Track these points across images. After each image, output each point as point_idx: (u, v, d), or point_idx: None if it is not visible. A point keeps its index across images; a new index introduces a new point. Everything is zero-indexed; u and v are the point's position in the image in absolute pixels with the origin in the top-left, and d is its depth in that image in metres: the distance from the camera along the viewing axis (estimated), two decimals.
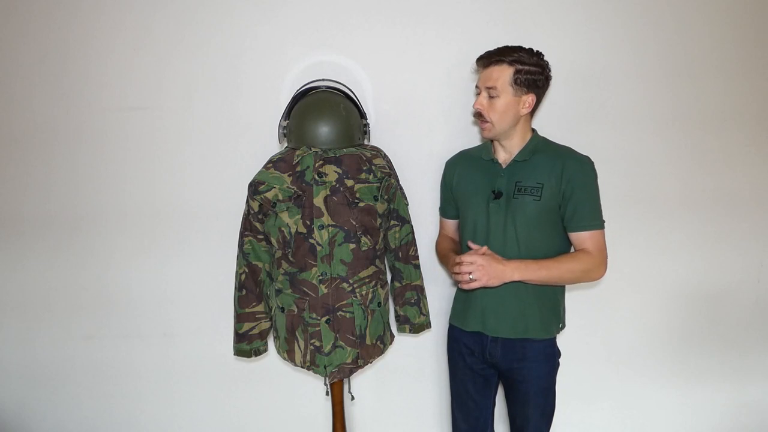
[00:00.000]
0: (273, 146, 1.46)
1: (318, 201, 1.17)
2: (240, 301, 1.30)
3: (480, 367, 1.32)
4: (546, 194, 1.16)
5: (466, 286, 1.15)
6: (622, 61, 1.48)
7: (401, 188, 1.33)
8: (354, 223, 1.19)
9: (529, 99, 1.16)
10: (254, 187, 1.21)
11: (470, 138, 1.48)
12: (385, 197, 1.25)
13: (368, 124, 1.32)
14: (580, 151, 1.21)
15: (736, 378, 1.74)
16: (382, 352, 1.32)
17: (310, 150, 1.19)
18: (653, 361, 1.70)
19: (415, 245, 1.39)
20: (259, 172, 1.23)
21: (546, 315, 1.24)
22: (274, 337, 1.34)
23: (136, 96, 1.47)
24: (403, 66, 1.46)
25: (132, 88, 1.46)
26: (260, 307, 1.31)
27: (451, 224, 1.41)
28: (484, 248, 1.17)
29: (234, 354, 1.32)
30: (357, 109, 1.29)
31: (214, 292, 1.56)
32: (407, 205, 1.35)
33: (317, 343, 1.22)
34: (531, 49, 1.15)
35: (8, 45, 1.43)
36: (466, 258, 1.14)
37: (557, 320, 1.28)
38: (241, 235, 1.29)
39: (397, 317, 1.42)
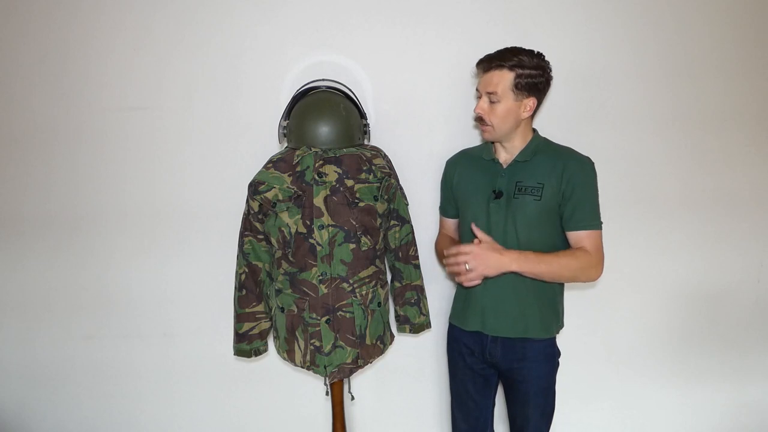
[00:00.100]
0: (273, 146, 1.46)
1: (318, 201, 1.17)
2: (240, 301, 1.30)
3: (480, 367, 1.32)
4: (546, 194, 1.16)
5: (463, 279, 1.13)
6: (622, 61, 1.48)
7: (401, 188, 1.33)
8: (354, 223, 1.19)
9: (530, 102, 1.16)
10: (254, 187, 1.21)
11: (470, 138, 1.48)
12: (385, 197, 1.25)
13: (368, 124, 1.32)
14: (580, 152, 1.21)
15: (736, 378, 1.74)
16: (382, 352, 1.32)
17: (310, 150, 1.19)
18: (653, 361, 1.70)
19: (415, 245, 1.39)
20: (259, 172, 1.23)
21: (546, 314, 1.24)
22: (274, 337, 1.34)
23: (136, 96, 1.47)
24: (403, 66, 1.46)
25: (132, 88, 1.46)
26: (260, 307, 1.31)
27: (451, 223, 1.41)
28: (482, 235, 1.15)
29: (234, 354, 1.32)
30: (357, 109, 1.29)
31: (214, 292, 1.56)
32: (407, 205, 1.35)
33: (317, 343, 1.22)
34: (532, 51, 1.14)
35: (8, 45, 1.43)
36: (465, 248, 1.12)
37: (557, 320, 1.28)
38: (241, 235, 1.29)
39: (397, 317, 1.42)
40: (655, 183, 1.56)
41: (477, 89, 1.20)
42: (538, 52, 1.14)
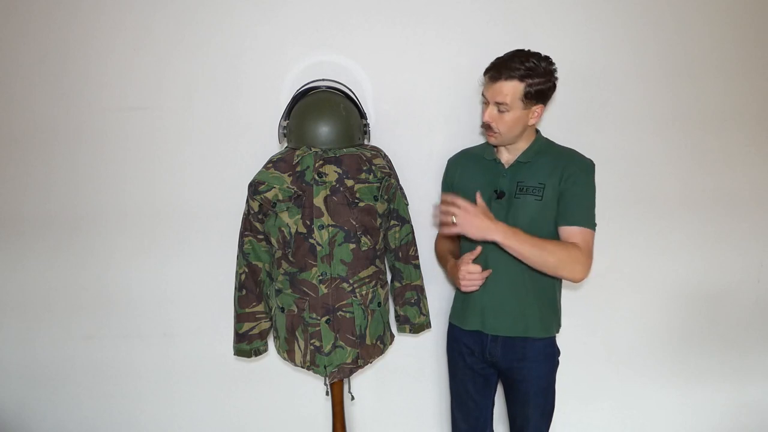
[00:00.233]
0: (273, 146, 1.46)
1: (318, 201, 1.17)
2: (240, 301, 1.30)
3: (480, 367, 1.32)
4: (547, 194, 1.16)
5: (444, 229, 1.11)
6: (622, 61, 1.48)
7: (401, 188, 1.33)
8: (354, 223, 1.19)
9: (538, 109, 1.15)
10: (254, 187, 1.21)
11: (470, 138, 1.48)
12: (385, 197, 1.25)
13: (368, 124, 1.32)
14: (581, 152, 1.21)
15: (736, 378, 1.74)
16: (382, 352, 1.32)
17: (310, 150, 1.19)
18: (653, 361, 1.70)
19: (415, 245, 1.39)
20: (259, 172, 1.23)
21: (546, 314, 1.24)
22: (274, 337, 1.34)
23: (136, 96, 1.47)
24: (403, 66, 1.46)
25: (132, 88, 1.46)
26: (260, 307, 1.31)
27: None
28: (480, 201, 1.13)
29: (234, 354, 1.32)
30: (357, 109, 1.29)
31: (214, 292, 1.56)
32: (407, 205, 1.35)
33: (317, 343, 1.22)
34: (539, 55, 1.11)
35: (8, 45, 1.43)
36: (460, 201, 1.10)
37: (557, 319, 1.28)
38: (241, 235, 1.29)
39: (397, 317, 1.42)
40: (655, 183, 1.56)
41: (483, 95, 1.17)
42: (545, 56, 1.12)
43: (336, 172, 1.18)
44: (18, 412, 1.70)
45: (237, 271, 1.31)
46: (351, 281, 1.21)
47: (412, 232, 1.38)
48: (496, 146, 1.25)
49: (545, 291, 1.24)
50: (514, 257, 1.15)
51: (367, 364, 1.30)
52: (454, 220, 1.10)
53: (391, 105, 1.48)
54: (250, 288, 1.29)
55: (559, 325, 1.29)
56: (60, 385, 1.67)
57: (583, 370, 1.68)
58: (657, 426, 1.77)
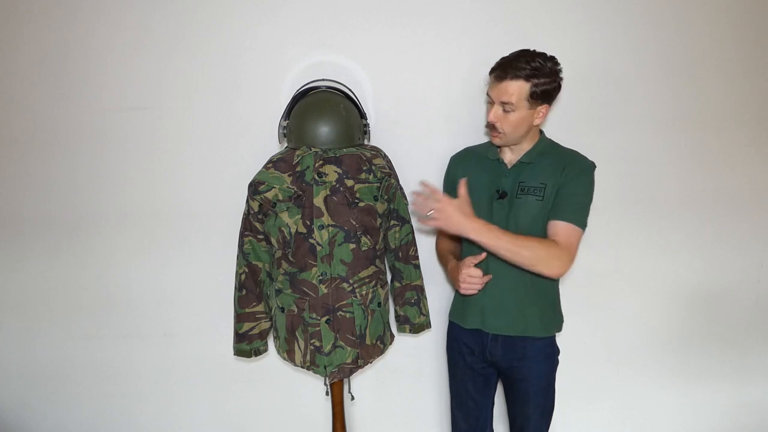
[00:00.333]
0: (273, 146, 1.46)
1: (318, 201, 1.17)
2: (240, 301, 1.30)
3: (480, 367, 1.32)
4: (548, 194, 1.16)
5: (421, 221, 1.11)
6: (622, 61, 1.48)
7: (401, 188, 1.33)
8: (354, 223, 1.19)
9: (543, 109, 1.15)
10: (254, 187, 1.21)
11: (471, 137, 1.48)
12: (385, 197, 1.25)
13: (368, 124, 1.32)
14: (582, 153, 1.21)
15: (736, 378, 1.74)
16: (382, 352, 1.32)
17: (310, 150, 1.19)
18: (653, 361, 1.70)
19: (415, 245, 1.39)
20: (259, 172, 1.23)
21: (546, 314, 1.25)
22: (274, 337, 1.34)
23: (136, 96, 1.47)
24: (403, 66, 1.46)
25: (132, 88, 1.46)
26: (260, 307, 1.31)
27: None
28: (463, 192, 1.12)
29: (234, 354, 1.32)
30: (357, 109, 1.29)
31: (214, 292, 1.56)
32: (407, 205, 1.35)
33: (317, 343, 1.22)
34: (544, 55, 1.11)
35: (8, 45, 1.43)
36: (438, 194, 1.10)
37: (557, 320, 1.28)
38: (241, 235, 1.29)
39: (397, 317, 1.42)
40: (655, 183, 1.56)
41: (488, 95, 1.17)
42: (551, 56, 1.12)
43: (336, 172, 1.18)
44: (18, 412, 1.70)
45: (237, 271, 1.31)
46: (351, 281, 1.21)
47: (412, 232, 1.38)
48: (499, 146, 1.25)
49: (546, 291, 1.24)
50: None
51: (367, 364, 1.30)
52: (430, 215, 1.10)
53: (391, 105, 1.48)
54: (250, 288, 1.29)
55: (560, 326, 1.29)
56: (60, 385, 1.67)
57: (583, 370, 1.68)
58: (657, 426, 1.76)
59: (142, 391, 1.67)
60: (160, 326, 1.62)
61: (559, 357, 1.29)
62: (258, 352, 1.33)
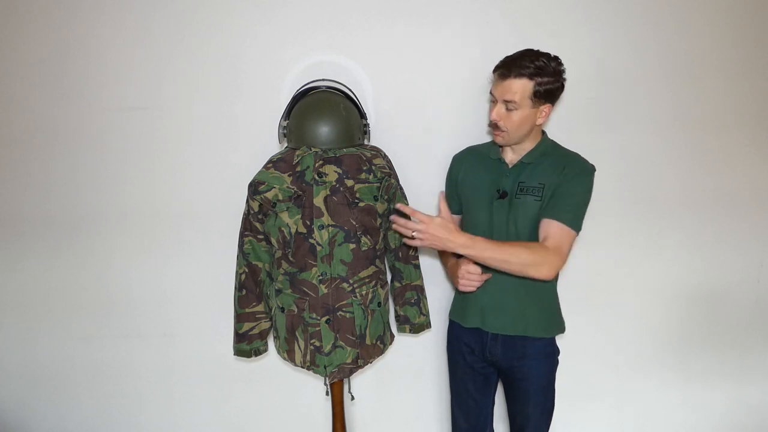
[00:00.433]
0: (273, 146, 1.46)
1: (318, 201, 1.17)
2: (240, 301, 1.30)
3: (480, 366, 1.32)
4: (546, 195, 1.16)
5: (407, 242, 1.09)
6: (622, 61, 1.48)
7: (401, 188, 1.33)
8: (354, 223, 1.19)
9: (546, 109, 1.15)
10: (254, 187, 1.21)
11: (471, 137, 1.48)
12: (385, 197, 1.25)
13: (368, 124, 1.32)
14: (582, 154, 1.21)
15: (736, 378, 1.74)
16: (382, 352, 1.32)
17: (310, 150, 1.19)
18: (653, 361, 1.70)
19: None
20: (259, 172, 1.23)
21: (546, 315, 1.25)
22: (274, 337, 1.34)
23: (136, 96, 1.47)
24: (403, 66, 1.46)
25: (132, 88, 1.46)
26: (260, 307, 1.31)
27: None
28: (444, 210, 1.10)
29: (234, 354, 1.32)
30: (357, 109, 1.29)
31: (214, 292, 1.56)
32: (407, 205, 1.35)
33: (317, 343, 1.22)
34: (549, 55, 1.11)
35: (8, 45, 1.43)
36: (420, 216, 1.06)
37: (558, 321, 1.28)
38: (241, 235, 1.29)
39: (397, 317, 1.42)
40: (655, 183, 1.56)
41: (492, 93, 1.17)
42: (554, 56, 1.12)
43: (336, 172, 1.18)
44: (18, 412, 1.70)
45: (237, 271, 1.31)
46: (351, 281, 1.21)
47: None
48: (501, 146, 1.25)
49: (546, 293, 1.23)
50: None
51: (367, 364, 1.30)
52: (414, 236, 1.07)
53: (391, 105, 1.48)
54: (250, 288, 1.29)
55: (562, 327, 1.29)
56: (60, 385, 1.67)
57: (583, 370, 1.68)
58: (657, 426, 1.77)
59: (142, 391, 1.67)
60: (160, 326, 1.62)
61: (560, 357, 1.29)
62: (258, 352, 1.33)
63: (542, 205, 1.16)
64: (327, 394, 1.41)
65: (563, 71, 1.13)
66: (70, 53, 1.44)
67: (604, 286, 1.62)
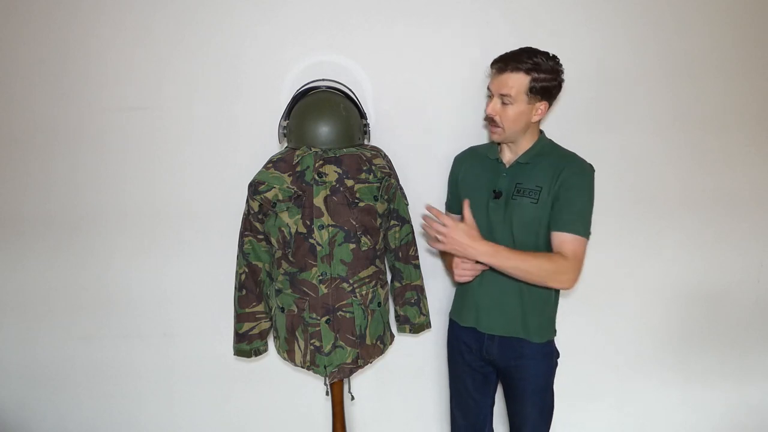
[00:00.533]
0: (273, 146, 1.46)
1: (318, 201, 1.17)
2: (240, 301, 1.30)
3: (478, 365, 1.32)
4: (543, 197, 1.15)
5: (430, 243, 1.14)
6: (622, 61, 1.48)
7: (401, 188, 1.33)
8: (354, 223, 1.19)
9: (542, 106, 1.15)
10: (254, 187, 1.21)
11: (471, 138, 1.48)
12: (385, 197, 1.25)
13: (368, 124, 1.32)
14: (582, 154, 1.21)
15: (736, 378, 1.74)
16: (382, 352, 1.32)
17: (310, 150, 1.19)
18: (653, 361, 1.70)
19: (415, 245, 1.39)
20: (259, 172, 1.23)
21: (542, 319, 1.24)
22: (274, 337, 1.34)
23: (136, 96, 1.47)
24: (403, 66, 1.46)
25: (132, 88, 1.46)
26: (260, 307, 1.31)
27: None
28: (468, 216, 1.13)
29: (234, 354, 1.32)
30: (357, 109, 1.29)
31: (214, 292, 1.56)
32: (407, 205, 1.35)
33: (317, 343, 1.22)
34: (547, 53, 1.12)
35: (8, 45, 1.43)
36: (445, 219, 1.11)
37: (552, 324, 1.27)
38: (241, 235, 1.29)
39: (397, 317, 1.42)
40: (655, 183, 1.56)
41: (489, 89, 1.18)
42: (552, 55, 1.13)
43: (336, 172, 1.18)
44: (18, 412, 1.70)
45: (237, 271, 1.31)
46: (351, 281, 1.21)
47: (412, 232, 1.38)
48: (499, 145, 1.25)
49: (543, 297, 1.22)
50: None
51: (367, 364, 1.30)
52: (439, 239, 1.11)
53: (391, 105, 1.48)
54: (250, 288, 1.29)
55: (554, 332, 1.29)
56: (60, 385, 1.67)
57: (583, 370, 1.68)
58: (657, 426, 1.77)
59: (142, 391, 1.67)
60: (160, 326, 1.62)
61: (560, 356, 1.29)
62: (258, 352, 1.33)
63: (538, 208, 1.15)
64: (327, 394, 1.41)
65: (561, 71, 1.13)
66: (70, 53, 1.44)
67: (604, 286, 1.62)
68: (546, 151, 1.20)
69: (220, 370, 1.65)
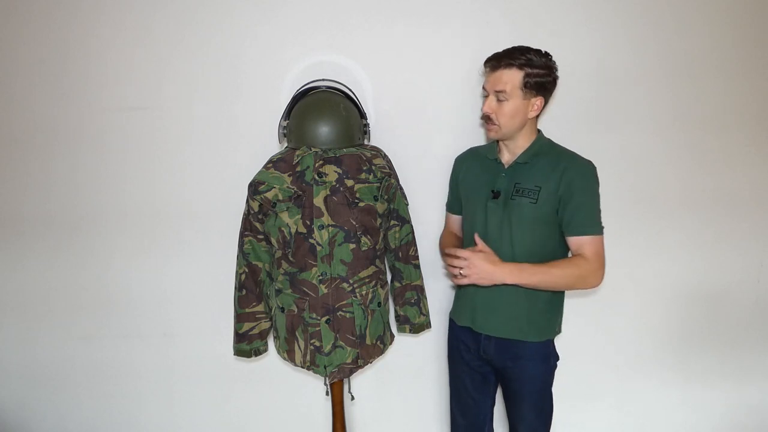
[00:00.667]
0: (273, 146, 1.46)
1: (318, 201, 1.17)
2: (240, 301, 1.30)
3: (477, 364, 1.32)
4: (543, 198, 1.15)
5: (455, 281, 1.16)
6: (622, 61, 1.48)
7: (401, 188, 1.33)
8: (354, 223, 1.19)
9: (538, 102, 1.15)
10: (254, 187, 1.21)
11: (471, 138, 1.48)
12: (385, 197, 1.25)
13: (368, 124, 1.32)
14: (582, 154, 1.21)
15: (736, 378, 1.74)
16: (382, 352, 1.32)
17: (310, 150, 1.19)
18: (653, 361, 1.70)
19: (415, 245, 1.39)
20: (259, 172, 1.23)
21: (539, 319, 1.23)
22: (274, 337, 1.34)
23: (136, 96, 1.47)
24: (403, 66, 1.46)
25: (132, 88, 1.46)
26: (260, 307, 1.31)
27: (456, 220, 1.41)
28: (481, 245, 1.16)
29: (234, 354, 1.32)
30: (357, 109, 1.29)
31: (214, 292, 1.56)
32: (407, 205, 1.35)
33: (317, 343, 1.22)
34: (539, 51, 1.13)
35: (8, 45, 1.43)
36: (462, 253, 1.14)
37: (551, 325, 1.26)
38: (241, 235, 1.29)
39: (397, 317, 1.42)
40: (655, 183, 1.56)
41: (484, 87, 1.19)
42: (545, 52, 1.14)
43: (336, 172, 1.18)
44: (18, 412, 1.70)
45: (237, 271, 1.31)
46: (351, 281, 1.21)
47: (412, 232, 1.38)
48: (498, 145, 1.25)
49: (539, 297, 1.22)
50: (510, 260, 1.16)
51: (367, 364, 1.30)
52: (462, 273, 1.13)
53: (391, 105, 1.48)
54: (250, 288, 1.29)
55: (556, 331, 1.28)
56: (60, 385, 1.67)
57: (583, 370, 1.68)
58: (657, 426, 1.77)
59: (142, 391, 1.67)
60: (160, 326, 1.62)
61: (560, 356, 1.29)
62: (258, 352, 1.33)
63: (537, 209, 1.15)
64: (327, 394, 1.41)
65: (555, 67, 1.15)
66: (70, 53, 1.44)
67: (604, 286, 1.61)
68: (544, 151, 1.20)
69: (220, 370, 1.65)
